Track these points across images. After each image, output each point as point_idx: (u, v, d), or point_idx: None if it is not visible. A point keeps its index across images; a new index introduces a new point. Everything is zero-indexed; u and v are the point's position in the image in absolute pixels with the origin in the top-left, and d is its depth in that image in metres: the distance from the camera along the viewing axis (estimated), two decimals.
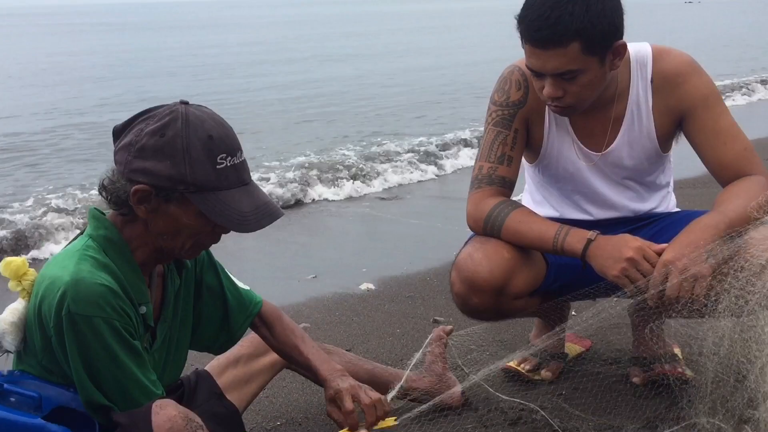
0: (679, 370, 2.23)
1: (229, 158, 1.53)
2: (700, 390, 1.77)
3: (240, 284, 1.93)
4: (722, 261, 1.70)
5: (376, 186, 6.27)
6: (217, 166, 1.52)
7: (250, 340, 2.15)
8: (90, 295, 1.44)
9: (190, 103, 1.57)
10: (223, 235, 1.63)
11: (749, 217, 1.74)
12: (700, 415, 1.76)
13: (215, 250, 1.77)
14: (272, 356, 2.12)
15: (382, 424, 1.83)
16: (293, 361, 1.94)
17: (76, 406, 1.51)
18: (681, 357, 2.32)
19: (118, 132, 1.58)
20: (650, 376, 2.25)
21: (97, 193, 1.62)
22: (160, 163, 1.50)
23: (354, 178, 6.31)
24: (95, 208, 1.63)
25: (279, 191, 5.85)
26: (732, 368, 1.58)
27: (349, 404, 1.78)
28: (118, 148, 1.56)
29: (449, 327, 2.36)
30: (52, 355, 1.52)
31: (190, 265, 1.79)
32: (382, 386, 2.11)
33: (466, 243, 2.17)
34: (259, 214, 1.56)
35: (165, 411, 1.43)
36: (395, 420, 1.86)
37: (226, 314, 1.87)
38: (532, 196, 2.38)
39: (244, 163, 1.58)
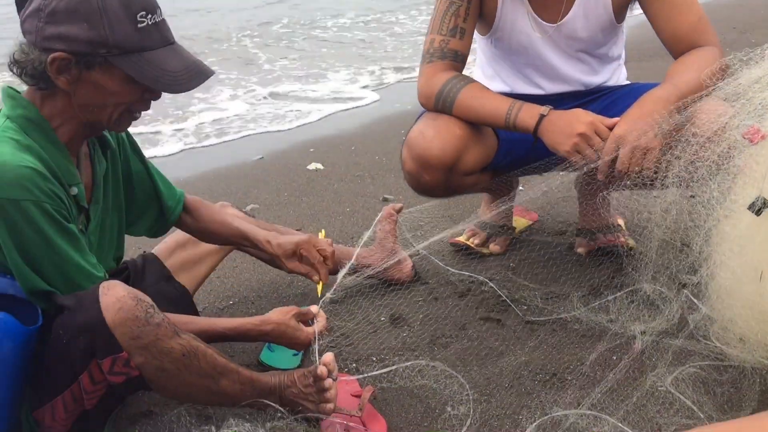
0: (622, 239, 2.30)
1: (150, 16, 1.42)
2: (643, 258, 1.83)
3: (161, 173, 1.88)
4: (673, 131, 1.71)
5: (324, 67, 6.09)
6: (138, 25, 1.41)
7: None
8: (16, 178, 1.35)
9: None
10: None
11: (700, 87, 1.73)
12: (643, 281, 1.83)
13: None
14: None
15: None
16: (226, 237, 1.91)
17: (15, 292, 1.45)
18: (624, 227, 2.39)
19: None
20: (595, 246, 2.32)
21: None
22: (76, 26, 1.38)
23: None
24: (9, 87, 1.50)
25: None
26: (678, 234, 1.62)
27: (316, 253, 1.84)
28: (25, 17, 1.43)
29: (399, 205, 2.36)
30: None
31: (115, 145, 1.71)
32: (334, 264, 2.11)
33: (417, 120, 2.12)
34: (191, 73, 1.47)
35: (113, 291, 1.39)
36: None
37: (158, 199, 1.83)
38: (483, 70, 2.32)
39: (164, 22, 1.47)
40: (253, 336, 1.66)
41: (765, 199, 1.38)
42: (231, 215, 1.96)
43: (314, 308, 1.74)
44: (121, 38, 1.39)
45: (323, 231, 2.13)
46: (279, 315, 1.66)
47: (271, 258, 2.01)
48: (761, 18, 6.34)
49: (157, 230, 1.90)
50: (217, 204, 2.17)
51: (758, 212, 1.39)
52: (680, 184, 1.58)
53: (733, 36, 5.47)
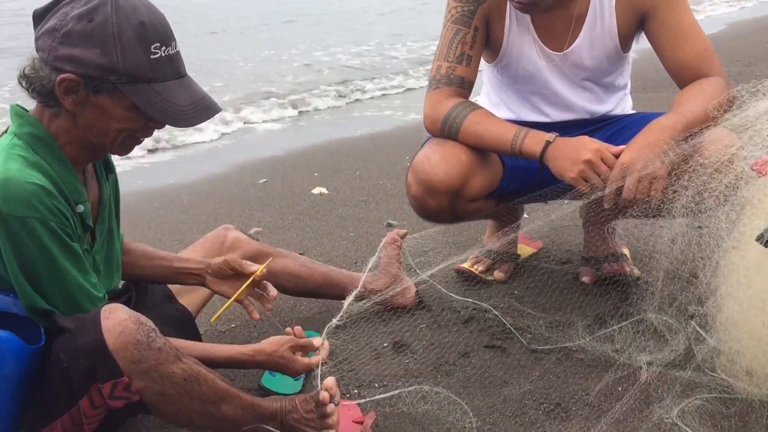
0: (628, 269, 2.29)
1: (164, 48, 1.43)
2: (649, 287, 1.82)
3: None
4: (679, 161, 1.70)
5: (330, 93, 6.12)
6: (151, 56, 1.41)
7: (201, 244, 2.11)
8: (22, 195, 1.36)
9: None
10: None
11: (707, 117, 1.73)
12: (649, 311, 1.82)
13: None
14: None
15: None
16: (161, 271, 1.85)
17: (18, 310, 1.45)
18: (629, 257, 2.38)
19: (39, 16, 1.45)
20: (600, 275, 2.31)
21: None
22: (89, 51, 1.39)
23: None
24: (17, 105, 1.51)
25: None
26: (686, 265, 1.62)
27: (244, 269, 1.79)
28: (40, 34, 1.44)
29: (403, 230, 2.36)
30: None
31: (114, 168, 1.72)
32: (338, 288, 2.11)
33: (423, 145, 2.13)
34: (197, 108, 1.47)
35: (115, 315, 1.38)
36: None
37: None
38: (489, 98, 2.33)
39: (178, 54, 1.48)
40: (247, 366, 1.64)
41: None
42: (154, 250, 1.89)
43: (317, 341, 1.72)
44: (132, 67, 1.40)
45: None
46: (272, 346, 1.63)
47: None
48: (766, 51, 6.37)
49: None
50: (220, 227, 2.16)
51: (766, 244, 1.39)
52: (687, 215, 1.58)
53: (738, 68, 5.50)
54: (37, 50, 1.44)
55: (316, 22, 10.14)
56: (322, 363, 1.66)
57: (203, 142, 4.75)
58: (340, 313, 1.83)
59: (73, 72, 1.40)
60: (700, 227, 1.64)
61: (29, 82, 1.45)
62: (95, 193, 1.63)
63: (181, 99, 1.45)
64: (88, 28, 1.38)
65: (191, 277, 1.85)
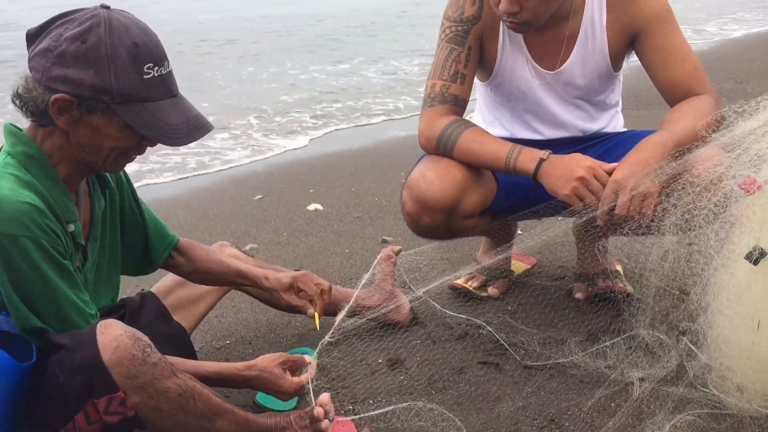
0: (620, 285, 2.31)
1: (156, 68, 1.45)
2: (641, 304, 1.83)
3: (156, 216, 1.89)
4: (670, 179, 1.73)
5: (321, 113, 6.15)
6: (144, 76, 1.43)
7: None
8: (14, 214, 1.37)
9: (111, 7, 1.47)
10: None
11: (697, 135, 1.76)
12: (641, 327, 1.83)
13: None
14: None
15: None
16: (223, 275, 1.94)
17: (9, 328, 1.45)
18: (622, 273, 2.40)
19: (33, 36, 1.46)
20: (593, 292, 2.32)
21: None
22: (83, 72, 1.40)
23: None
24: (10, 124, 1.53)
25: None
26: (676, 282, 1.63)
27: (313, 286, 1.92)
28: (33, 54, 1.45)
29: (398, 247, 2.37)
30: None
31: (114, 184, 1.73)
32: (333, 305, 2.11)
33: (418, 162, 2.15)
34: (190, 127, 1.49)
35: (111, 330, 1.39)
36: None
37: (146, 242, 1.84)
38: (482, 116, 2.36)
39: (171, 74, 1.50)
40: (238, 382, 1.64)
41: (762, 248, 1.40)
42: (226, 255, 1.99)
43: (308, 358, 1.73)
44: (125, 88, 1.42)
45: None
46: (265, 362, 1.63)
47: (269, 295, 2.01)
48: (758, 69, 6.44)
49: (138, 271, 1.91)
50: (216, 244, 2.18)
51: (755, 262, 1.41)
52: (677, 232, 1.60)
53: (730, 86, 5.56)
54: (31, 70, 1.45)
55: (301, 38, 10.17)
56: (311, 380, 1.66)
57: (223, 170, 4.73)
58: (332, 329, 1.84)
59: (66, 92, 1.41)
60: (690, 244, 1.66)
61: (23, 101, 1.46)
62: (87, 212, 1.64)
63: (173, 118, 1.47)
64: (82, 49, 1.40)
65: (260, 290, 1.99)
